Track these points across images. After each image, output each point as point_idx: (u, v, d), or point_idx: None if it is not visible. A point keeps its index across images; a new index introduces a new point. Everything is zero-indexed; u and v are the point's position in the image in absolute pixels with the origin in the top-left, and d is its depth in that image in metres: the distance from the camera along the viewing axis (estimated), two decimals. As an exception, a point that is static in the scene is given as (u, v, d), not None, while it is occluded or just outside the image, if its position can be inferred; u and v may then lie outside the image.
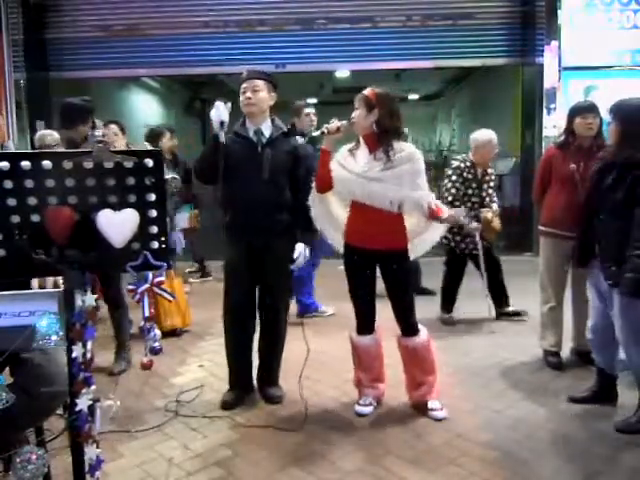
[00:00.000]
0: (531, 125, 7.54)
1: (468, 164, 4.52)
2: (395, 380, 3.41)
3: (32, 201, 1.81)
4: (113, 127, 4.41)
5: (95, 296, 1.87)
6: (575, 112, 3.60)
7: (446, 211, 3.05)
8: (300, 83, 11.71)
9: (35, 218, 1.81)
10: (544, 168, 3.81)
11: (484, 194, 4.59)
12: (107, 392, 2.58)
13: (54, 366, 2.00)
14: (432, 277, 5.24)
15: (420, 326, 3.16)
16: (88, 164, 1.82)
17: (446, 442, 2.84)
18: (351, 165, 3.02)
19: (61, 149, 4.06)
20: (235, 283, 3.23)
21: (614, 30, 6.71)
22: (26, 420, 2.00)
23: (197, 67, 7.84)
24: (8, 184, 1.79)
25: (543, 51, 7.03)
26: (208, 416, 3.14)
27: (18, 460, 1.75)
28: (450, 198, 4.45)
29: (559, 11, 6.78)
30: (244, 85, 3.13)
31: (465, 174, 4.49)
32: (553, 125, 6.87)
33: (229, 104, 3.03)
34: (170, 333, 4.46)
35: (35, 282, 2.05)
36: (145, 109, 12.47)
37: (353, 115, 3.03)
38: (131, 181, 1.85)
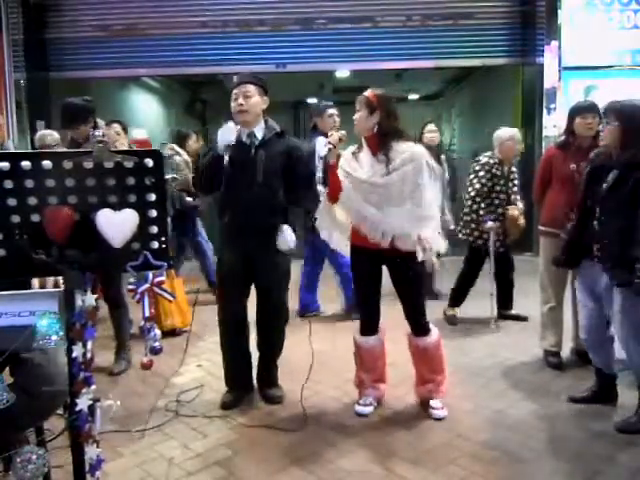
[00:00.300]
0: (531, 125, 7.54)
1: (496, 161, 4.47)
2: (396, 380, 3.42)
3: (32, 201, 1.81)
4: (115, 126, 4.41)
5: (95, 296, 1.87)
6: (575, 112, 3.60)
7: (434, 247, 2.97)
8: (300, 83, 11.71)
9: (35, 218, 1.81)
10: (544, 168, 3.82)
11: (510, 191, 4.56)
12: (107, 392, 2.58)
13: (54, 366, 2.00)
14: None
15: (431, 326, 3.17)
16: (88, 164, 1.82)
17: (446, 442, 2.84)
18: (356, 170, 3.01)
19: (61, 149, 4.07)
20: (231, 287, 3.21)
21: (614, 30, 6.70)
22: (26, 420, 2.00)
23: (197, 67, 7.84)
24: (8, 184, 1.79)
25: (543, 51, 7.03)
26: (208, 416, 3.14)
27: (18, 460, 1.75)
28: (473, 193, 4.43)
29: (559, 11, 6.78)
30: (235, 91, 3.10)
31: (494, 170, 4.44)
32: (553, 125, 6.87)
33: (238, 126, 3.04)
34: (170, 333, 4.47)
35: (36, 282, 2.05)
36: (145, 109, 12.47)
37: (354, 117, 3.03)
38: (131, 181, 1.85)
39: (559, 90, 6.83)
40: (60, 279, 1.88)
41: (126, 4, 7.54)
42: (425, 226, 2.95)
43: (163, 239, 1.91)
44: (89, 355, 1.82)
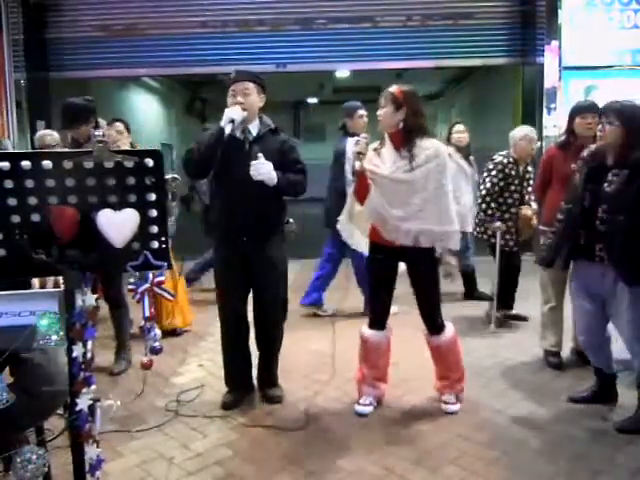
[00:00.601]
0: (531, 125, 7.51)
1: (511, 160, 4.43)
2: (396, 380, 3.42)
3: (32, 201, 1.80)
4: (118, 125, 4.38)
5: (95, 296, 1.87)
6: (575, 112, 3.60)
7: (454, 245, 3.03)
8: (300, 83, 11.71)
9: (35, 218, 1.81)
10: (545, 168, 3.82)
11: (524, 191, 4.54)
12: (107, 392, 2.58)
13: (54, 366, 2.00)
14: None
15: (447, 323, 3.18)
16: (88, 164, 1.82)
17: (446, 442, 2.84)
18: (378, 166, 3.01)
19: (61, 149, 4.06)
20: (230, 286, 3.20)
21: (614, 30, 6.70)
22: (26, 420, 2.00)
23: (197, 67, 7.84)
24: (8, 184, 1.79)
25: (543, 51, 7.03)
26: (208, 416, 3.14)
27: (18, 460, 1.75)
28: (484, 192, 4.40)
29: (559, 11, 6.78)
30: (233, 87, 3.06)
31: (507, 170, 4.41)
32: (553, 125, 6.87)
33: (245, 112, 3.00)
34: (170, 333, 4.47)
35: (36, 282, 2.05)
36: (145, 109, 12.49)
37: (379, 113, 3.01)
38: (131, 181, 1.85)
39: (559, 90, 6.83)
40: (60, 279, 1.87)
41: (126, 4, 7.54)
42: (445, 224, 2.97)
43: (163, 239, 1.91)
44: (89, 355, 1.82)
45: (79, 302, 1.78)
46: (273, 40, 7.52)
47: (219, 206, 3.15)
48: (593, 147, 3.05)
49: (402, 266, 3.15)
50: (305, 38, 7.55)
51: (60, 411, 2.30)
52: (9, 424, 1.85)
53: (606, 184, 2.87)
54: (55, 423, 2.62)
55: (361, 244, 3.26)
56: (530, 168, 4.62)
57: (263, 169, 2.97)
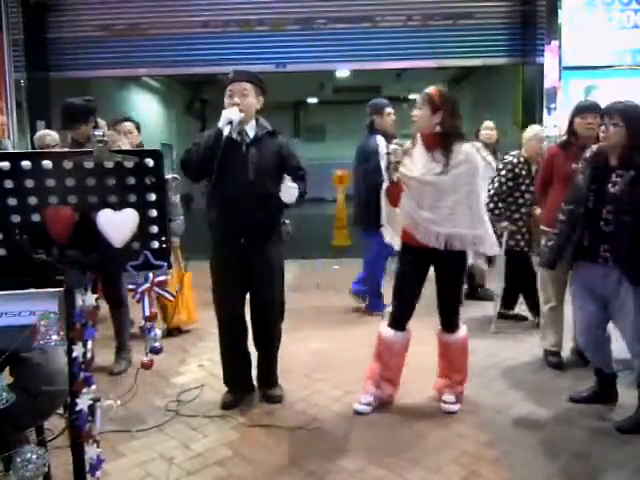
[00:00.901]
0: (532, 125, 7.54)
1: (522, 160, 4.40)
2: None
3: (32, 201, 1.80)
4: (128, 124, 4.35)
5: (96, 296, 1.87)
6: (576, 112, 3.60)
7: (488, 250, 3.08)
8: (300, 83, 11.71)
9: (35, 218, 1.81)
10: (546, 168, 3.81)
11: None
12: (107, 392, 2.58)
13: (54, 365, 2.00)
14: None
15: (461, 325, 3.20)
16: (88, 164, 1.82)
17: (447, 442, 2.84)
18: (410, 170, 3.00)
19: (61, 149, 4.05)
20: (227, 286, 3.19)
21: (615, 30, 6.71)
22: (26, 419, 2.00)
23: (197, 67, 7.85)
24: (8, 184, 1.79)
25: (543, 51, 7.04)
26: (208, 416, 3.14)
27: (19, 460, 1.74)
28: (492, 192, 4.39)
29: (559, 11, 6.78)
30: (231, 87, 3.03)
31: (517, 170, 4.38)
32: (554, 125, 6.87)
33: (243, 114, 2.98)
34: (175, 329, 4.51)
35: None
36: (145, 109, 12.48)
37: (415, 113, 3.00)
38: (131, 181, 1.85)
39: (559, 90, 6.83)
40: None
41: (126, 4, 7.55)
42: (477, 228, 2.98)
43: (163, 239, 1.91)
44: (89, 355, 1.82)
45: (79, 302, 1.78)
46: (273, 40, 7.53)
47: (216, 207, 3.13)
48: (595, 148, 3.03)
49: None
50: (305, 38, 7.55)
51: (60, 411, 2.30)
52: (9, 424, 1.85)
53: (610, 185, 2.86)
54: (55, 423, 2.61)
55: (394, 238, 3.25)
56: None
57: (295, 192, 2.98)
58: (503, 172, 4.42)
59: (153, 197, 1.87)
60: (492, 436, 2.89)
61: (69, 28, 7.62)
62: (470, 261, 3.22)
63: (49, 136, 4.60)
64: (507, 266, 4.54)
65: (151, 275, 1.99)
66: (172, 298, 4.30)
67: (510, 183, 4.39)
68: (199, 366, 3.89)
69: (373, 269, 4.89)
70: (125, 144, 3.92)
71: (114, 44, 7.58)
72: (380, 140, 4.58)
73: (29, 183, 1.80)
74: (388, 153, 3.02)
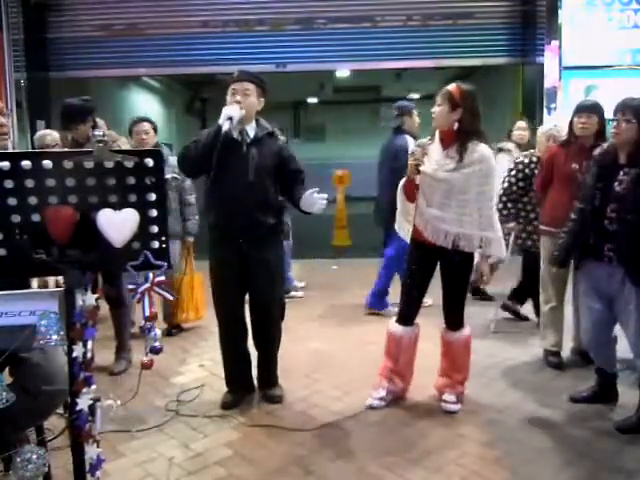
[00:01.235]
0: (531, 125, 7.53)
1: (534, 159, 4.33)
2: (396, 380, 3.41)
3: (32, 201, 1.80)
4: (146, 125, 4.34)
5: (95, 296, 1.87)
6: (574, 111, 3.60)
7: (495, 252, 3.06)
8: (300, 83, 11.71)
9: (35, 218, 1.80)
10: (546, 167, 3.81)
11: None
12: (107, 392, 2.58)
13: (53, 365, 2.00)
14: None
15: (466, 325, 3.21)
16: (88, 164, 1.82)
17: (447, 442, 2.84)
18: (425, 166, 3.00)
19: (61, 149, 4.05)
20: (227, 287, 3.18)
21: (615, 30, 6.70)
22: (26, 419, 2.00)
23: (197, 67, 7.84)
24: (9, 184, 1.79)
25: (544, 50, 7.03)
26: (209, 415, 3.14)
27: (19, 459, 1.74)
28: (501, 192, 4.36)
29: (560, 10, 6.77)
30: (234, 86, 3.05)
31: (528, 170, 4.31)
32: (554, 125, 6.85)
33: (243, 111, 2.99)
34: (176, 328, 4.56)
35: (35, 283, 2.05)
36: (145, 108, 12.46)
37: (434, 110, 2.99)
38: (131, 181, 1.85)
39: (559, 90, 6.82)
40: (61, 279, 1.87)
41: (126, 4, 7.54)
42: (486, 230, 2.97)
43: (163, 239, 1.91)
44: (89, 355, 1.82)
45: (79, 302, 1.78)
46: (273, 40, 7.52)
47: (215, 208, 3.13)
48: (605, 145, 3.02)
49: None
50: (305, 38, 7.55)
51: (60, 411, 2.30)
52: (9, 424, 1.85)
53: (617, 183, 2.84)
54: (55, 423, 2.62)
55: (405, 231, 3.26)
56: None
57: (324, 202, 2.97)
58: (513, 172, 4.38)
59: (153, 197, 1.87)
60: (493, 436, 2.89)
61: (69, 28, 7.61)
62: (476, 260, 3.21)
63: (49, 136, 4.60)
64: (524, 264, 4.55)
65: (151, 275, 1.99)
66: (172, 298, 4.33)
67: (521, 184, 4.34)
68: (200, 366, 3.89)
69: (390, 268, 4.89)
70: (125, 144, 3.92)
71: (114, 44, 7.57)
72: (410, 140, 4.64)
73: (29, 183, 1.79)
74: (412, 153, 3.01)
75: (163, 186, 1.92)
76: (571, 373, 3.66)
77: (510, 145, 5.29)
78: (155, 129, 4.44)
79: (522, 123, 5.39)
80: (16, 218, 1.81)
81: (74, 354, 1.77)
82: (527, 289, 4.65)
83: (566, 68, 6.79)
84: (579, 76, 6.76)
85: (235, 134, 3.05)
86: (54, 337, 1.71)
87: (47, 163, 1.79)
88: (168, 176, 4.13)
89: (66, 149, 3.73)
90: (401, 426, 3.02)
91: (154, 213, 1.88)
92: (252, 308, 3.27)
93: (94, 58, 7.61)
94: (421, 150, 3.00)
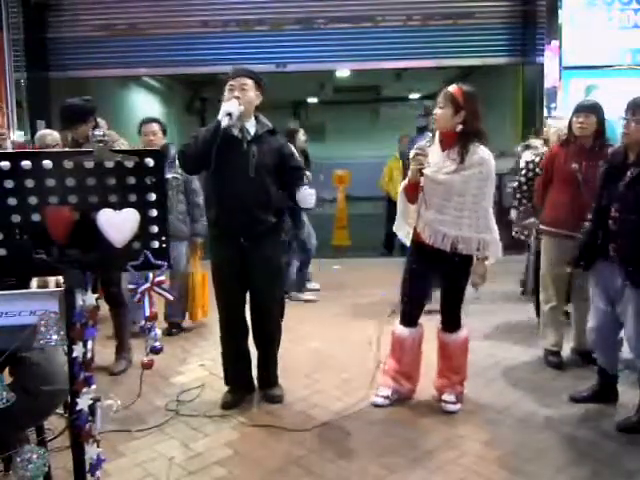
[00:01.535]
0: (532, 124, 7.53)
1: (543, 158, 4.24)
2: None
3: (33, 200, 1.80)
4: (154, 125, 4.33)
5: (95, 296, 1.87)
6: (573, 111, 3.60)
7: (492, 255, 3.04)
8: (300, 83, 11.70)
9: (36, 217, 1.80)
10: (546, 167, 3.80)
11: None
12: (107, 392, 2.58)
13: (53, 365, 2.00)
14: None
15: (463, 326, 3.21)
16: (89, 164, 1.82)
17: (447, 442, 2.84)
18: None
19: (61, 149, 4.05)
20: (228, 285, 3.18)
21: (615, 29, 6.70)
22: (26, 419, 2.00)
23: (197, 67, 7.85)
24: (9, 183, 1.79)
25: (544, 50, 7.04)
26: (209, 415, 3.14)
27: (19, 459, 1.74)
28: (511, 191, 4.32)
29: (560, 10, 6.77)
30: (231, 82, 3.05)
31: (538, 169, 4.21)
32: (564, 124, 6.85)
33: (242, 107, 2.98)
34: (176, 327, 4.57)
35: (34, 283, 2.04)
36: (145, 108, 12.46)
37: (436, 112, 2.98)
38: (132, 181, 1.85)
39: (559, 90, 6.82)
40: (61, 279, 1.87)
41: (126, 4, 7.55)
42: (483, 232, 2.97)
43: (163, 238, 1.91)
44: (89, 355, 1.82)
45: (79, 302, 1.78)
46: (273, 40, 7.53)
47: (216, 206, 3.13)
48: (617, 145, 3.01)
49: None
50: (305, 38, 7.55)
51: (60, 411, 2.30)
52: (9, 423, 1.85)
53: (622, 182, 2.83)
54: (55, 423, 2.61)
55: (409, 238, 3.25)
56: None
57: (313, 198, 3.03)
58: (523, 171, 4.36)
59: (153, 197, 1.87)
60: (492, 436, 2.89)
61: (69, 28, 7.62)
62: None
63: (50, 136, 4.60)
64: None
65: (151, 275, 1.99)
66: (172, 298, 4.33)
67: (530, 183, 4.29)
68: (200, 365, 3.88)
69: None
70: (124, 144, 3.91)
71: (114, 44, 7.58)
72: None
73: (29, 183, 1.79)
74: (416, 154, 2.98)
75: (163, 186, 1.92)
76: (571, 373, 3.66)
77: (538, 142, 5.26)
78: (164, 131, 4.44)
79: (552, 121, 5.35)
80: (16, 218, 1.81)
81: (74, 354, 1.77)
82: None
83: (566, 68, 6.79)
84: (579, 76, 6.77)
85: (235, 131, 3.05)
86: (54, 337, 1.71)
87: (47, 163, 1.79)
88: (169, 176, 4.13)
89: (66, 149, 3.73)
90: (401, 426, 3.02)
91: (154, 213, 1.88)
92: (252, 307, 3.27)
93: (94, 58, 7.62)
94: (423, 154, 2.98)
